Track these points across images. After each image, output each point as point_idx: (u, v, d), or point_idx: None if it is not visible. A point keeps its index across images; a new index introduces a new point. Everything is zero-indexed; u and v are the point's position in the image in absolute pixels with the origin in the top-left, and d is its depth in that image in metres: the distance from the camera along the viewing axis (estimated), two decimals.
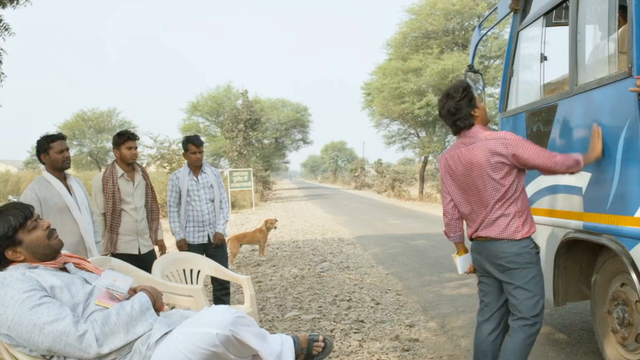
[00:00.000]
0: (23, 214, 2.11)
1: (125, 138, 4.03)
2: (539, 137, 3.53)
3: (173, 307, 3.08)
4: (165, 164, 20.50)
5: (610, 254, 2.93)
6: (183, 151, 4.60)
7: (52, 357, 1.95)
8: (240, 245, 8.28)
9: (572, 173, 2.64)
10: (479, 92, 4.40)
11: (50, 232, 2.17)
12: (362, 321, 4.53)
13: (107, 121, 38.94)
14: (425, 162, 25.55)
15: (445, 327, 4.37)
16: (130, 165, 4.07)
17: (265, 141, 36.84)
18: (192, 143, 4.46)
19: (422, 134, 24.30)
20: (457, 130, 2.74)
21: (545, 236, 3.45)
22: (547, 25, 3.57)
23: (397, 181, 28.32)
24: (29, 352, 1.95)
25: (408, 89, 20.38)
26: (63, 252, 2.24)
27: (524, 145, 2.56)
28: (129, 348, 1.98)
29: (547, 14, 3.51)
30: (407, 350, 3.77)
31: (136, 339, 2.00)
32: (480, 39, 4.78)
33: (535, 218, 3.30)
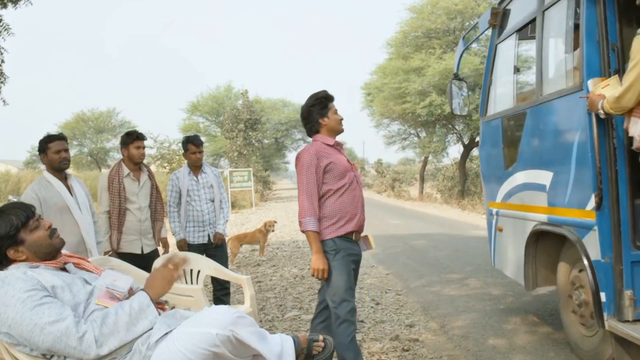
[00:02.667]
0: (25, 213, 2.11)
1: (133, 137, 4.06)
2: (513, 140, 4.02)
3: (173, 307, 3.08)
4: (165, 164, 20.50)
5: (570, 243, 3.28)
6: (183, 151, 4.61)
7: (52, 356, 1.95)
8: (241, 245, 8.29)
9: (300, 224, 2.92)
10: (464, 96, 4.81)
11: (52, 232, 2.17)
12: (362, 321, 4.53)
13: (107, 121, 38.94)
14: (425, 162, 25.55)
15: (445, 327, 4.37)
16: (136, 165, 4.10)
17: (266, 141, 36.82)
18: (192, 143, 4.46)
19: (423, 134, 24.28)
20: (307, 133, 3.12)
21: (518, 228, 3.91)
22: (519, 40, 4.07)
23: (397, 181, 28.35)
24: (29, 352, 1.95)
25: (411, 89, 20.36)
26: (63, 252, 2.25)
27: (300, 171, 2.93)
28: (128, 348, 1.98)
29: (519, 30, 3.94)
30: (407, 350, 3.77)
31: (136, 339, 2.00)
32: (464, 50, 5.24)
33: (509, 212, 4.13)
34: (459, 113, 4.92)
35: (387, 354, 3.71)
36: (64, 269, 2.20)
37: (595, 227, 2.95)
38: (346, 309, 2.86)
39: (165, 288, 2.19)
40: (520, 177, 3.86)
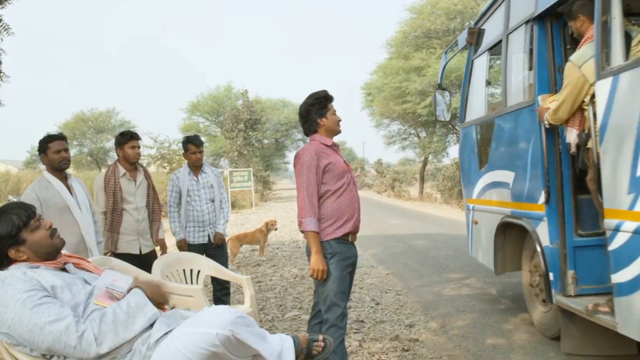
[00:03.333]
0: (26, 213, 2.11)
1: (128, 137, 4.05)
2: (485, 144, 4.68)
3: (173, 307, 3.08)
4: (165, 164, 20.50)
5: (529, 233, 3.87)
6: (183, 151, 4.61)
7: (52, 356, 1.96)
8: (241, 245, 8.28)
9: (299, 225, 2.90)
10: (447, 104, 5.40)
11: (53, 232, 2.17)
12: (362, 321, 4.53)
13: (106, 121, 38.93)
14: (425, 162, 25.54)
15: (445, 327, 4.37)
16: (132, 165, 4.09)
17: (266, 141, 36.82)
18: (192, 143, 4.46)
19: (423, 134, 24.29)
20: (305, 132, 3.10)
21: (489, 221, 4.55)
22: (491, 56, 4.70)
23: (397, 181, 28.33)
24: (29, 352, 1.96)
25: (412, 88, 20.36)
26: (63, 252, 2.25)
27: (300, 171, 2.90)
28: (128, 347, 1.98)
29: (490, 48, 4.55)
30: (407, 350, 3.77)
31: (135, 337, 2.00)
32: (446, 63, 5.80)
33: (482, 207, 4.74)
34: (442, 119, 5.50)
35: (387, 354, 3.71)
36: (64, 269, 2.21)
37: (545, 218, 3.58)
38: (335, 313, 2.86)
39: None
40: (490, 176, 4.52)
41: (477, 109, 4.91)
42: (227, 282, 4.50)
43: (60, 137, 3.61)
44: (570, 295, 3.48)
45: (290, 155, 45.49)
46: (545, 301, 3.93)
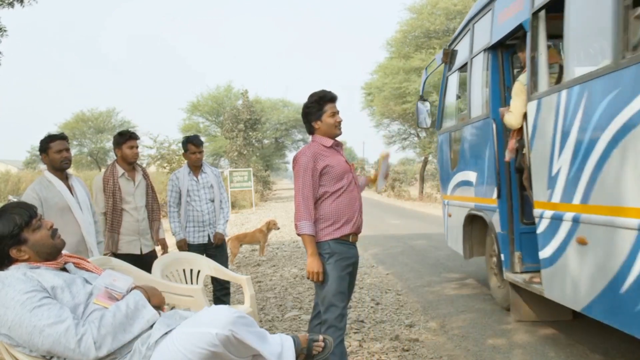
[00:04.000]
0: (28, 213, 2.11)
1: (126, 137, 4.04)
2: (456, 149, 5.52)
3: (173, 307, 3.08)
4: (165, 164, 20.51)
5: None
6: (183, 151, 4.61)
7: (51, 358, 1.95)
8: (241, 245, 8.28)
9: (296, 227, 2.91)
10: (428, 112, 6.11)
11: (54, 232, 2.17)
12: (362, 321, 4.53)
13: (106, 121, 38.93)
14: (425, 162, 25.53)
15: (445, 327, 4.37)
16: (131, 164, 4.08)
17: (266, 141, 36.83)
18: (191, 143, 4.46)
19: (423, 134, 24.28)
20: (307, 132, 3.09)
21: (459, 214, 5.43)
22: (461, 74, 5.51)
23: (397, 181, 28.31)
24: (29, 353, 1.95)
25: (412, 89, 20.36)
26: (63, 252, 2.25)
27: (297, 174, 2.90)
28: (128, 348, 1.98)
29: (460, 68, 5.39)
30: (407, 350, 3.77)
31: (135, 338, 2.00)
32: (426, 78, 6.68)
33: (454, 202, 5.60)
34: (423, 125, 6.21)
35: (387, 354, 3.71)
36: (64, 269, 2.21)
37: (497, 210, 4.41)
38: (334, 314, 2.84)
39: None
40: (460, 176, 5.37)
41: (450, 119, 5.90)
42: (227, 282, 4.49)
43: (61, 137, 3.60)
44: (517, 272, 4.30)
45: (290, 155, 45.48)
46: (499, 278, 4.76)
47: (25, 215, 2.09)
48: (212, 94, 35.86)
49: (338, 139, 3.04)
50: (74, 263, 2.28)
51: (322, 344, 2.33)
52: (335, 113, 2.97)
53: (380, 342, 3.95)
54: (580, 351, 3.63)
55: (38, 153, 3.66)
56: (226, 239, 4.78)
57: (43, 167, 3.66)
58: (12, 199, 14.79)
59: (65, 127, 35.57)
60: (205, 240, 4.47)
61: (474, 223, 5.17)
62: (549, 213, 3.44)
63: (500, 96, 4.47)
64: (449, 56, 5.61)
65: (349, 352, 3.70)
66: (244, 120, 28.44)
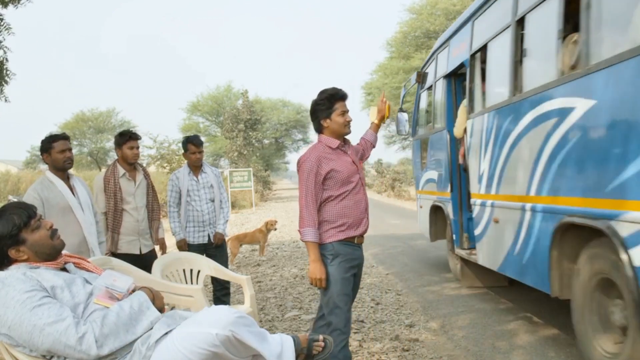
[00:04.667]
0: (27, 213, 2.11)
1: (127, 138, 4.03)
2: (424, 153, 6.88)
3: (173, 307, 3.08)
4: (165, 164, 20.50)
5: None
6: (183, 151, 4.60)
7: (52, 357, 1.95)
8: (241, 245, 8.28)
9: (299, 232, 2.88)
10: (407, 121, 7.10)
11: (53, 232, 2.17)
12: (362, 321, 4.53)
13: (106, 121, 38.95)
14: None
15: (445, 327, 4.37)
16: (131, 165, 4.08)
17: (266, 141, 36.85)
18: (191, 143, 4.46)
19: None
20: (315, 130, 3.03)
21: (426, 205, 6.77)
22: (429, 92, 6.78)
23: (397, 181, 28.29)
24: (29, 352, 1.95)
25: (412, 89, 20.39)
26: (63, 252, 2.24)
27: (300, 179, 2.87)
28: (129, 348, 1.98)
29: (429, 88, 6.74)
30: (407, 350, 3.77)
31: (136, 339, 2.00)
32: (405, 93, 8.32)
33: (424, 196, 6.97)
34: (403, 133, 7.23)
35: (387, 354, 3.71)
36: (64, 269, 2.20)
37: (450, 201, 5.72)
38: (338, 317, 2.79)
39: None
40: (427, 174, 6.73)
41: (421, 128, 7.26)
42: (227, 282, 4.49)
43: (63, 137, 3.59)
44: (465, 248, 5.58)
45: (290, 156, 45.44)
46: (453, 254, 5.95)
47: (24, 215, 2.09)
48: (212, 94, 35.87)
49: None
50: (74, 263, 2.28)
51: (322, 343, 2.33)
52: (345, 112, 2.90)
53: (380, 342, 3.95)
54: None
55: (38, 153, 3.65)
56: (226, 239, 4.78)
57: (44, 167, 3.66)
58: (12, 199, 14.78)
59: (65, 127, 35.58)
60: (205, 240, 4.47)
61: (437, 213, 6.42)
62: (478, 201, 4.78)
63: (453, 113, 5.73)
64: (421, 77, 6.98)
65: None
66: (244, 120, 28.45)
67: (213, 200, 4.54)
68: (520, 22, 3.94)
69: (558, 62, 3.36)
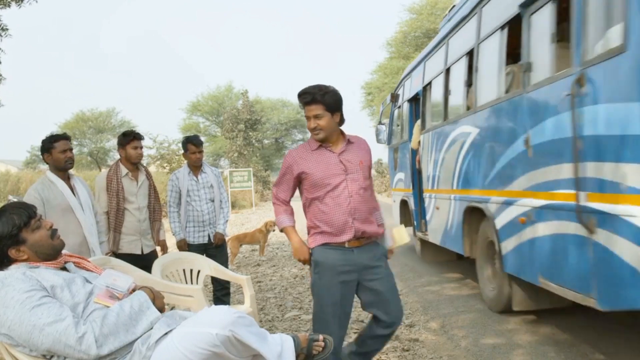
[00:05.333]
0: (27, 213, 2.11)
1: (130, 137, 4.04)
2: (396, 158, 8.41)
3: (173, 308, 3.08)
4: (165, 164, 20.52)
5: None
6: (183, 151, 4.61)
7: (52, 357, 1.96)
8: (241, 245, 8.28)
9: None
10: (385, 132, 8.92)
11: (53, 232, 2.17)
12: (362, 321, 4.53)
13: (106, 121, 38.95)
14: None
15: (445, 327, 4.37)
16: (134, 165, 4.08)
17: (266, 141, 36.86)
18: (191, 143, 4.46)
19: None
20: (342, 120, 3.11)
21: (398, 199, 8.28)
22: (401, 110, 8.23)
23: None
24: (29, 352, 1.95)
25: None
26: (63, 252, 2.25)
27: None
28: (129, 348, 1.98)
29: (399, 107, 8.29)
30: (407, 350, 3.77)
31: (136, 339, 2.00)
32: (383, 110, 9.98)
33: (396, 192, 8.57)
34: (382, 142, 8.96)
35: (387, 354, 3.71)
36: (64, 269, 2.21)
37: (412, 196, 7.19)
38: (327, 330, 2.58)
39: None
40: (398, 175, 8.27)
41: (394, 138, 8.72)
42: (227, 282, 4.50)
43: (64, 137, 3.60)
44: (422, 232, 6.86)
45: None
46: (417, 238, 7.33)
47: (24, 215, 2.09)
48: (212, 94, 35.90)
49: (349, 135, 2.86)
50: (74, 262, 2.28)
51: (322, 343, 2.33)
52: (308, 117, 2.81)
53: None
54: (580, 351, 3.63)
55: (38, 153, 3.65)
56: (226, 239, 4.79)
57: (44, 167, 3.67)
58: (12, 199, 14.78)
59: (66, 127, 35.60)
60: (205, 240, 4.47)
61: (406, 206, 7.83)
62: (427, 194, 6.38)
63: (413, 129, 7.12)
64: (394, 98, 8.47)
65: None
66: (244, 120, 28.48)
67: (213, 200, 4.54)
68: (448, 71, 5.60)
69: (465, 102, 5.06)
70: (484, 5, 4.57)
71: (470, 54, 4.89)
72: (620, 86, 2.67)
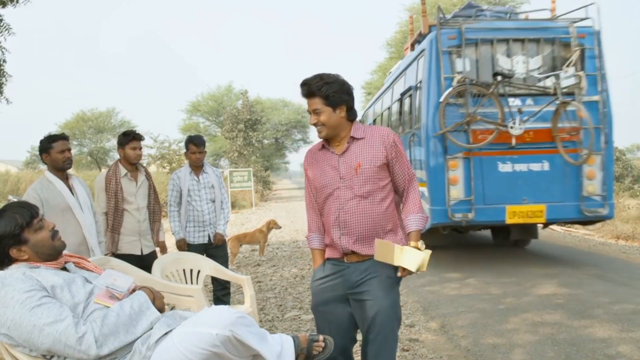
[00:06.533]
0: (30, 213, 2.11)
1: (130, 138, 4.02)
2: None
3: (173, 308, 3.08)
4: (166, 164, 20.52)
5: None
6: (183, 151, 4.60)
7: (52, 357, 1.95)
8: (241, 245, 8.28)
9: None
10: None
11: (54, 233, 2.17)
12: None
13: (106, 121, 38.92)
14: None
15: (445, 327, 4.37)
16: (133, 165, 4.07)
17: (266, 141, 36.82)
18: (192, 143, 4.46)
19: None
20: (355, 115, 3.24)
21: None
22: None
23: None
24: (29, 352, 1.95)
25: None
26: (63, 252, 2.25)
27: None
28: (129, 348, 1.98)
29: (374, 121, 10.81)
30: (407, 350, 3.77)
31: (136, 339, 2.00)
32: (361, 121, 12.08)
33: None
34: None
35: None
36: (64, 269, 2.21)
37: None
38: (329, 337, 2.37)
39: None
40: None
41: None
42: (227, 282, 4.50)
43: (63, 137, 3.59)
44: None
45: (290, 156, 45.46)
46: None
47: (26, 215, 2.09)
48: (212, 94, 35.89)
49: (364, 128, 2.49)
50: (74, 262, 2.28)
51: (323, 344, 2.33)
52: (309, 111, 2.54)
53: None
54: (580, 351, 3.63)
55: (38, 153, 3.65)
56: (226, 239, 4.79)
57: (43, 167, 3.66)
58: (12, 199, 14.76)
59: (65, 127, 35.56)
60: (206, 240, 4.47)
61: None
62: None
63: None
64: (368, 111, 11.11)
65: None
66: (244, 120, 28.46)
67: (214, 201, 4.54)
68: (381, 115, 8.94)
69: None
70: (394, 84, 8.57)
71: (389, 108, 9.00)
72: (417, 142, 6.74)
